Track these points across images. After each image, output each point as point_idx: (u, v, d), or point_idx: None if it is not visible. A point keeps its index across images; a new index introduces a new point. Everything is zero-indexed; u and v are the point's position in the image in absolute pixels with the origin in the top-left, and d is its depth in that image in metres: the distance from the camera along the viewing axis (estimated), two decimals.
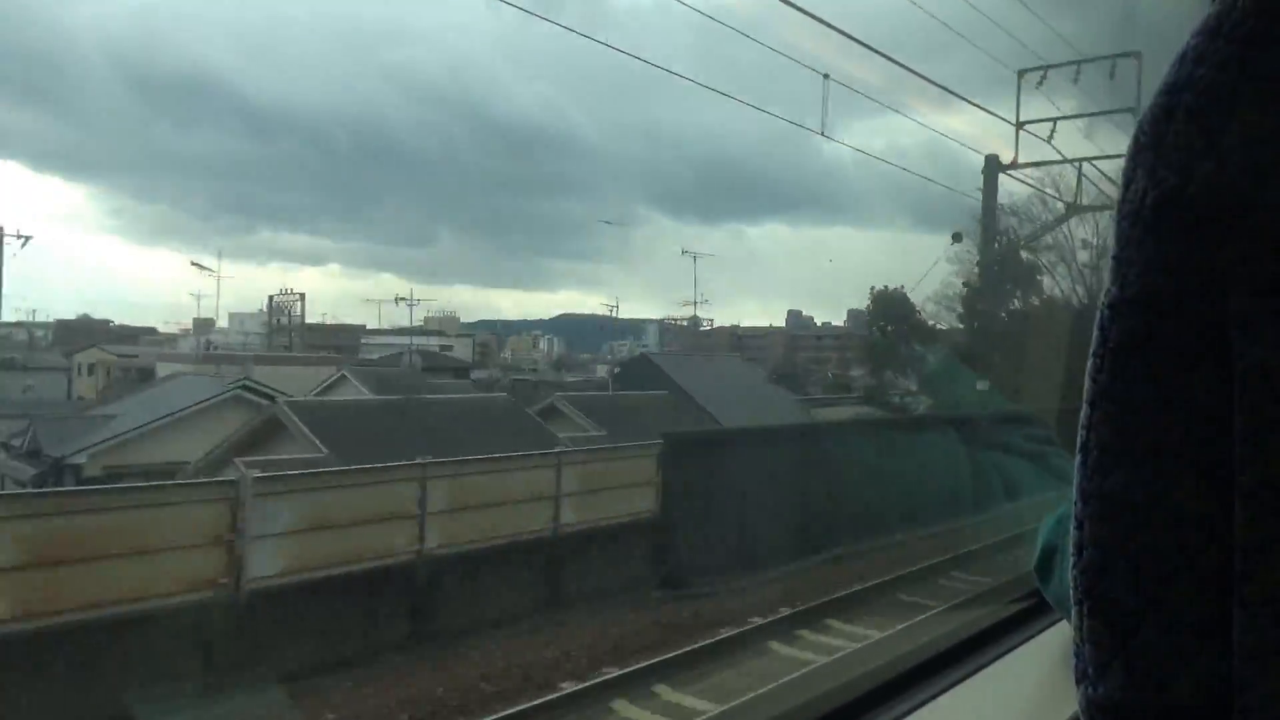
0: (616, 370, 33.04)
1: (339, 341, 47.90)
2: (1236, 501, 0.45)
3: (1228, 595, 0.45)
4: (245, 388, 19.90)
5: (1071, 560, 0.51)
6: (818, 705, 1.41)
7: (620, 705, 8.35)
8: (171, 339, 45.14)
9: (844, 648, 9.49)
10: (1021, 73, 20.78)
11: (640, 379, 26.85)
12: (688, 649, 9.49)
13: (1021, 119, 21.14)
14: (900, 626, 7.37)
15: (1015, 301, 25.58)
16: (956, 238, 24.35)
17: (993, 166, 22.36)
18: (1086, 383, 0.51)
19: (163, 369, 29.02)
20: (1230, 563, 0.45)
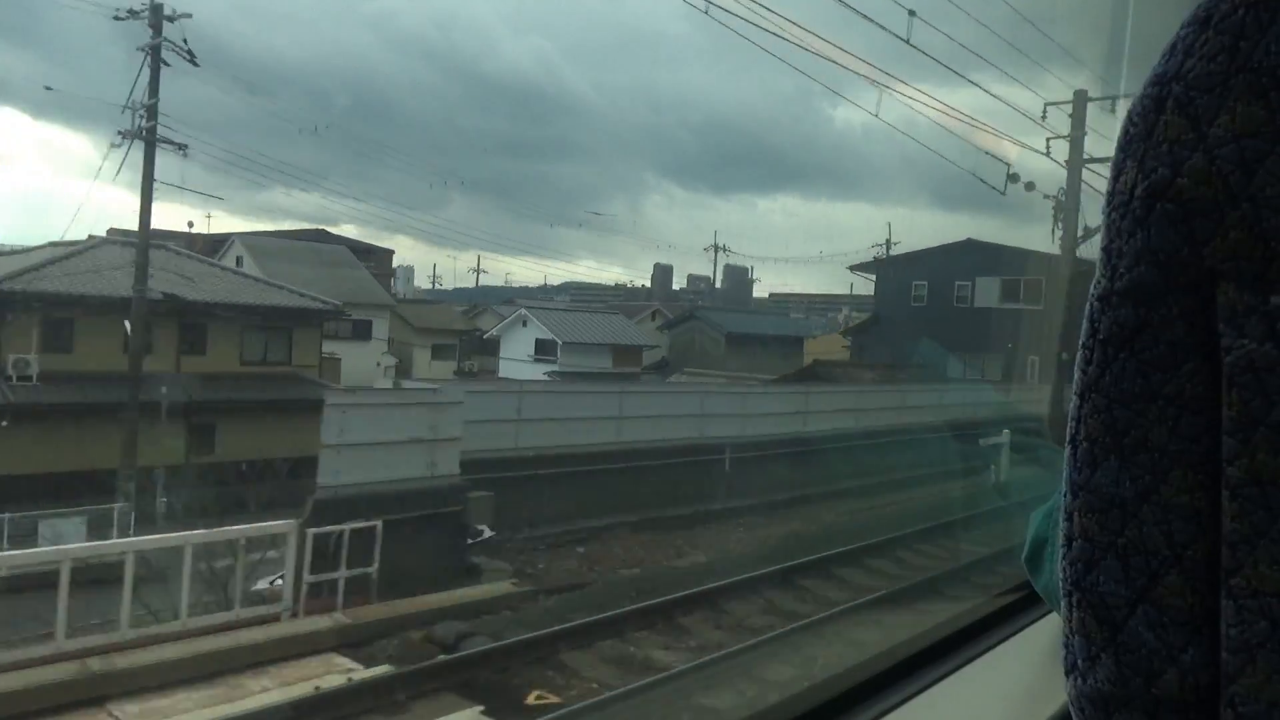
0: None
1: None
2: (1224, 495, 0.45)
3: (1216, 588, 0.45)
4: None
5: (1061, 552, 0.51)
6: (806, 699, 1.41)
7: None
8: None
9: None
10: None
11: None
12: None
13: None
14: None
15: None
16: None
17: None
18: (1075, 375, 0.50)
19: None
20: (1218, 556, 0.45)
